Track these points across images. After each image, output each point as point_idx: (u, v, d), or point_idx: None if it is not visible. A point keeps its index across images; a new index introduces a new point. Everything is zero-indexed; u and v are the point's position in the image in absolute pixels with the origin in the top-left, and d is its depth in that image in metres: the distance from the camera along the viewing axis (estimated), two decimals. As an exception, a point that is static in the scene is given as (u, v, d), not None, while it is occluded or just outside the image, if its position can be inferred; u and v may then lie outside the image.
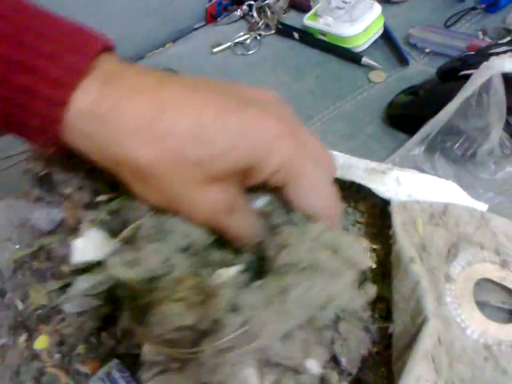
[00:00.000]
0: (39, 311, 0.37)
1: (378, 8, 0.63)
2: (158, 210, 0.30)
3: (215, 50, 0.69)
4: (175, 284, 0.28)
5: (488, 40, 0.60)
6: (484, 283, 0.34)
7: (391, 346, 0.32)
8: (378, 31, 0.64)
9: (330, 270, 0.28)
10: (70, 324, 0.35)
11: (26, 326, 0.37)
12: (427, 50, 0.62)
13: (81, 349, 0.36)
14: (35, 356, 0.36)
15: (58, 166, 0.33)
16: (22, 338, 0.37)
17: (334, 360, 0.32)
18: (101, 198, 0.33)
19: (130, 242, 0.30)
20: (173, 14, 0.73)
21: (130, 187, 0.29)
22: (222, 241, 0.31)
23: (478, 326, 0.32)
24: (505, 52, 0.47)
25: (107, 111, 0.26)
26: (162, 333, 0.27)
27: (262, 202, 0.32)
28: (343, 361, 0.31)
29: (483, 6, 0.65)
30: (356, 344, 0.32)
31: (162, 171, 0.27)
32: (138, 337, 0.29)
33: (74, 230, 0.33)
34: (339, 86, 0.61)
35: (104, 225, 0.32)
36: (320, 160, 0.31)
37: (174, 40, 0.73)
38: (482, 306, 0.33)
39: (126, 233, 0.30)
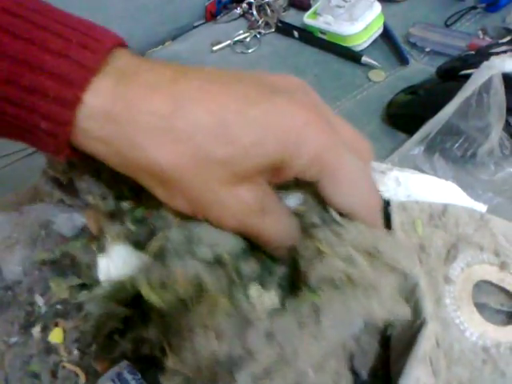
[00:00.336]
0: (58, 306, 0.36)
1: (377, 7, 0.63)
2: (185, 217, 0.28)
3: (215, 48, 0.69)
4: (207, 310, 0.26)
5: (488, 39, 0.60)
6: (483, 285, 0.34)
7: (389, 349, 0.32)
8: (377, 30, 0.63)
9: (368, 280, 0.26)
10: (92, 324, 0.34)
11: (40, 321, 0.37)
12: (427, 49, 0.62)
13: (95, 347, 0.35)
14: (51, 349, 0.36)
15: (79, 173, 0.31)
16: (36, 329, 0.37)
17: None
18: (125, 205, 0.31)
19: (157, 255, 0.28)
20: (172, 11, 0.73)
21: (152, 192, 0.27)
22: (252, 247, 0.29)
23: (476, 328, 0.31)
24: (505, 52, 0.47)
25: (121, 111, 0.25)
26: (193, 361, 0.26)
27: (294, 200, 0.29)
28: (363, 374, 0.30)
29: (483, 5, 0.64)
30: (373, 356, 0.31)
31: (184, 172, 0.25)
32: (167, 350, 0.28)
33: (96, 238, 0.32)
34: (339, 85, 0.61)
35: (129, 236, 0.30)
36: (356, 149, 0.28)
37: (174, 38, 0.73)
38: (480, 308, 0.33)
39: (152, 247, 0.28)
